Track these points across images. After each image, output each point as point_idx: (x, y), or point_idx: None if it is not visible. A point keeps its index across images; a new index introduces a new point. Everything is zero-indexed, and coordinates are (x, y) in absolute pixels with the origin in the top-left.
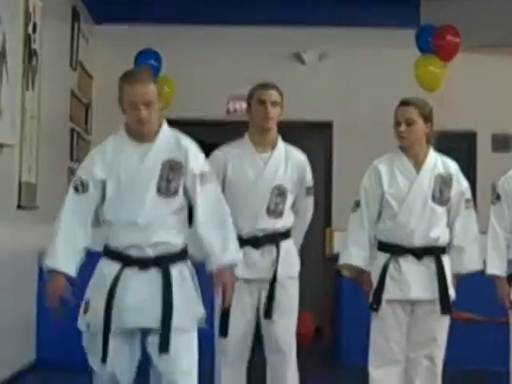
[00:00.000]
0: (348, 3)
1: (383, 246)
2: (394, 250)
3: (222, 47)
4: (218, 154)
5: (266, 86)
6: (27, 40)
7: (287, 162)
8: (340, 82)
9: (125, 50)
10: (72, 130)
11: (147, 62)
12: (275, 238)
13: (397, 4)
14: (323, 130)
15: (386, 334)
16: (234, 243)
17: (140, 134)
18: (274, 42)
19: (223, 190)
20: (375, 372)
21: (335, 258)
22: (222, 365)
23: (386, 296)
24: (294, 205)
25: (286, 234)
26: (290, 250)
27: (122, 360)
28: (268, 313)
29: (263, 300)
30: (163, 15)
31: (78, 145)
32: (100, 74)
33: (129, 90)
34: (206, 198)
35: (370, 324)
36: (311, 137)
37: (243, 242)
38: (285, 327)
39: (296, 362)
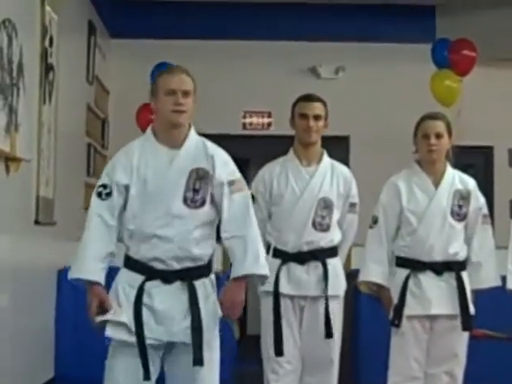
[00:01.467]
0: (364, 18)
1: (402, 262)
2: (413, 265)
3: (237, 61)
4: (262, 172)
5: (308, 99)
6: (44, 54)
7: (333, 176)
8: (356, 97)
9: (141, 64)
10: (89, 145)
11: None
12: (321, 255)
13: (412, 18)
14: (340, 144)
15: (406, 350)
16: (254, 254)
17: (172, 129)
18: (290, 56)
19: (271, 207)
20: None
21: (353, 273)
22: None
23: (407, 312)
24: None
25: (332, 252)
26: (336, 268)
27: (135, 376)
28: (329, 333)
29: (306, 318)
30: (179, 29)
31: (95, 159)
32: (116, 89)
33: (168, 79)
34: (232, 207)
35: (388, 341)
36: (328, 151)
37: (288, 257)
38: (332, 346)
39: (336, 382)
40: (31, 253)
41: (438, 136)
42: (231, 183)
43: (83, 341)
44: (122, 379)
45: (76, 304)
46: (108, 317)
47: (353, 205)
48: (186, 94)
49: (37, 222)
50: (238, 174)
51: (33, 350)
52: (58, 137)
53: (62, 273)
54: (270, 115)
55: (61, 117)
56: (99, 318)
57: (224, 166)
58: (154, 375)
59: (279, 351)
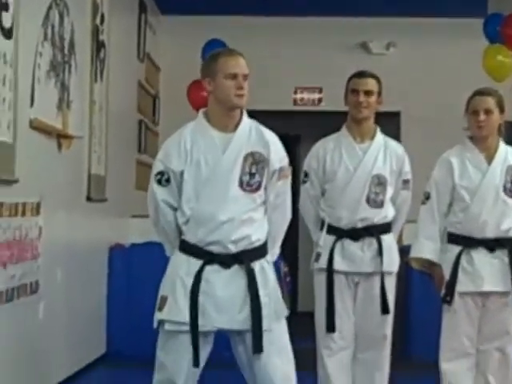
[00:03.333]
0: None
1: (454, 239)
2: (465, 242)
3: (288, 38)
4: (316, 148)
5: (360, 75)
6: (95, 31)
7: (386, 153)
8: (407, 72)
9: (191, 40)
10: (140, 122)
11: None
12: (375, 231)
13: None
14: (391, 120)
15: (458, 327)
16: (272, 242)
17: (229, 112)
18: (341, 32)
19: (324, 184)
20: (446, 365)
21: (405, 249)
22: (327, 360)
23: (458, 289)
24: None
25: (386, 228)
26: (391, 244)
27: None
28: (385, 309)
29: (360, 294)
30: (229, 5)
31: (146, 136)
32: (167, 65)
33: (227, 61)
34: (276, 192)
35: (440, 317)
36: (379, 127)
37: (343, 234)
38: (386, 322)
39: (389, 358)
40: (83, 229)
41: (487, 112)
42: (281, 169)
43: (135, 317)
44: (173, 364)
45: (128, 280)
46: (164, 316)
47: (406, 181)
48: (245, 77)
49: (89, 199)
50: (286, 160)
51: (85, 326)
52: (110, 114)
53: (114, 249)
54: (320, 91)
55: (112, 94)
56: (156, 317)
57: (277, 153)
58: (202, 361)
59: (331, 327)
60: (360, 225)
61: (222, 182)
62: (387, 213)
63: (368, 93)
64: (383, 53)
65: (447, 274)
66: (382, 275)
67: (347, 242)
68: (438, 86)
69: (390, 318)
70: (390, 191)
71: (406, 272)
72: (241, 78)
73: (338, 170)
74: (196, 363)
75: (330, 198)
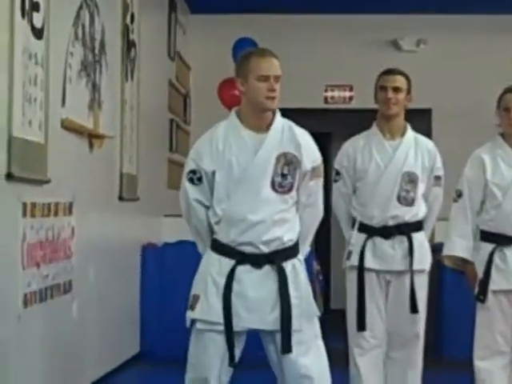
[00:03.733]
0: None
1: (487, 236)
2: (498, 239)
3: (318, 35)
4: (346, 146)
5: (388, 72)
6: (125, 31)
7: (417, 149)
8: (438, 69)
9: (221, 39)
10: (171, 121)
11: (244, 50)
12: (407, 229)
13: None
14: (422, 117)
15: (492, 325)
16: (303, 241)
17: (261, 113)
18: (372, 29)
19: (355, 182)
20: (481, 364)
21: (436, 247)
22: (358, 358)
23: (492, 287)
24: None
25: (418, 226)
26: (422, 242)
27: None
28: (414, 308)
29: (391, 293)
30: (259, 3)
31: (178, 135)
32: (197, 64)
33: (259, 62)
34: (308, 192)
35: (473, 315)
36: (410, 124)
37: (374, 232)
38: (417, 321)
39: (422, 357)
40: (116, 229)
41: None
42: (313, 170)
43: (168, 316)
44: (205, 363)
45: (161, 280)
46: (196, 315)
47: (438, 178)
48: (277, 78)
49: (121, 198)
50: (319, 159)
51: (119, 326)
52: (141, 113)
53: (146, 248)
54: (351, 89)
55: (143, 93)
56: (188, 316)
57: (310, 154)
58: (236, 360)
59: (362, 326)
60: (391, 223)
61: (254, 183)
62: (419, 210)
63: (397, 89)
64: (414, 50)
65: (480, 272)
66: (412, 274)
67: (378, 240)
68: (469, 83)
69: (422, 316)
70: (421, 188)
71: (439, 270)
72: (272, 80)
73: (369, 167)
74: (232, 362)
75: (361, 196)
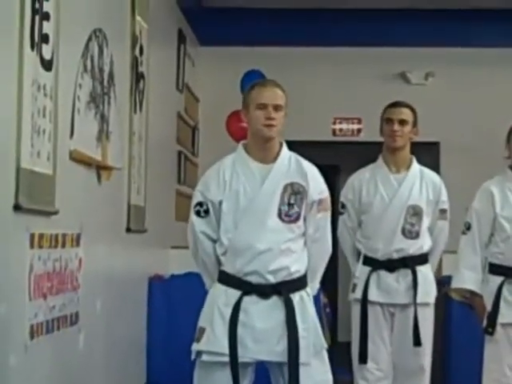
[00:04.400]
0: (454, 23)
1: (496, 269)
2: (507, 272)
3: (327, 68)
4: (352, 179)
5: (394, 104)
6: (134, 63)
7: (422, 183)
8: (446, 102)
9: (230, 71)
10: (179, 153)
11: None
12: (411, 262)
13: (503, 23)
14: (430, 150)
15: (500, 358)
16: (312, 275)
17: (264, 144)
18: (380, 62)
19: (360, 215)
20: None
21: (445, 280)
22: None
23: (500, 320)
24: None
25: (422, 259)
26: (427, 275)
27: None
28: (417, 340)
29: (396, 325)
30: (268, 36)
31: (186, 167)
32: (206, 96)
33: (259, 92)
34: (315, 225)
35: (481, 349)
36: (417, 157)
37: (378, 265)
38: (422, 354)
39: None
40: (123, 260)
41: None
42: (320, 202)
43: (175, 348)
44: None
45: (168, 311)
46: (201, 347)
47: (443, 211)
48: (276, 108)
49: (128, 230)
50: (326, 193)
51: (125, 357)
52: (149, 145)
53: (153, 280)
54: (360, 121)
55: (151, 125)
56: (194, 348)
57: (317, 185)
58: None
59: (363, 358)
60: (395, 256)
61: (261, 212)
62: (423, 243)
63: (402, 122)
64: (422, 83)
65: (489, 305)
66: (416, 307)
67: (383, 273)
68: (477, 116)
69: (428, 349)
70: (426, 221)
71: (446, 303)
72: (271, 108)
73: (374, 200)
74: None
75: (366, 229)
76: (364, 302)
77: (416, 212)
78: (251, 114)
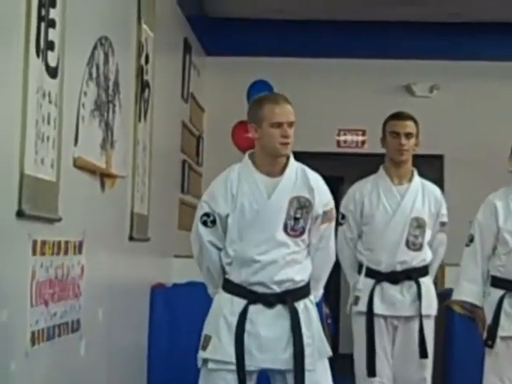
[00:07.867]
0: (459, 36)
1: (497, 282)
2: (508, 285)
3: (332, 79)
4: (353, 190)
5: (398, 117)
6: (140, 71)
7: (424, 195)
8: (451, 115)
9: (236, 81)
10: (183, 162)
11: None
12: (414, 274)
13: (510, 36)
14: (434, 163)
15: (500, 371)
16: (315, 284)
17: (275, 159)
18: (385, 74)
19: (361, 227)
20: None
21: (446, 293)
22: None
23: (500, 333)
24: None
25: (424, 271)
26: (429, 287)
27: None
28: (424, 353)
29: (399, 338)
30: (274, 47)
31: (190, 177)
32: (212, 106)
33: (273, 109)
34: (319, 235)
35: (481, 361)
36: (421, 170)
37: (382, 277)
38: (423, 366)
39: None
40: (125, 269)
41: None
42: (325, 214)
43: (177, 357)
44: None
45: (170, 320)
46: (207, 355)
47: (443, 224)
48: (291, 125)
49: (131, 238)
50: (331, 204)
51: (127, 365)
52: (153, 154)
53: (156, 289)
54: (364, 133)
55: (156, 134)
56: (200, 356)
57: (323, 198)
58: None
59: (372, 371)
60: (399, 268)
61: (267, 226)
62: (426, 256)
63: (408, 135)
64: (427, 95)
65: (489, 318)
66: (421, 319)
67: (386, 286)
68: (481, 129)
69: (429, 361)
70: (428, 234)
71: (447, 315)
72: (286, 126)
73: (376, 212)
74: None
75: (368, 241)
76: (370, 314)
77: (419, 224)
78: (265, 130)
